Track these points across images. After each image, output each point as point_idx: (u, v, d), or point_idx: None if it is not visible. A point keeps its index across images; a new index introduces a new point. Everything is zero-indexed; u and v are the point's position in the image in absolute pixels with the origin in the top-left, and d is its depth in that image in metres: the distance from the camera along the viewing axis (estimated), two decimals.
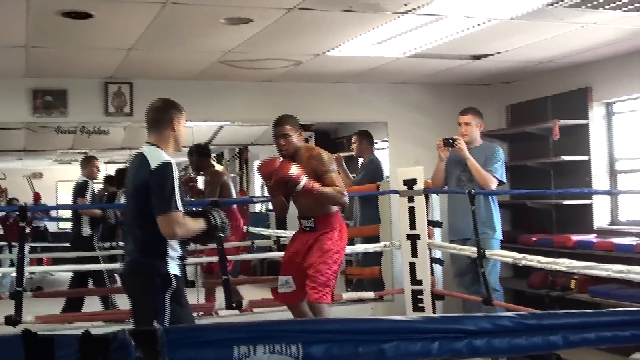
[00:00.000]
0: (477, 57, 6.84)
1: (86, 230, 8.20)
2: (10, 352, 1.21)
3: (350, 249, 7.81)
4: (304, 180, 5.13)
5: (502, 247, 6.67)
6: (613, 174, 7.23)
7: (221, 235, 4.17)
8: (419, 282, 6.90)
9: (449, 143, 6.52)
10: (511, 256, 5.94)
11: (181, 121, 4.11)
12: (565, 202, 7.38)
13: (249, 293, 8.09)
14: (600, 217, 7.27)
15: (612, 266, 4.91)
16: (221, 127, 10.68)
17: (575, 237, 7.00)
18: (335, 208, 5.47)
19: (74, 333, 1.29)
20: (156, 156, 3.92)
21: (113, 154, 12.65)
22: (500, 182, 6.56)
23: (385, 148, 8.60)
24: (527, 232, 7.70)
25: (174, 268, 3.91)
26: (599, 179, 7.23)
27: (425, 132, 8.16)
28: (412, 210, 6.92)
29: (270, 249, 9.07)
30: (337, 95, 8.04)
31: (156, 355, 1.26)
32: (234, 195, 8.84)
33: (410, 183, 6.91)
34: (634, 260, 5.52)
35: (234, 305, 6.22)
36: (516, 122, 8.35)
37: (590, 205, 7.28)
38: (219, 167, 8.75)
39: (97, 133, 9.72)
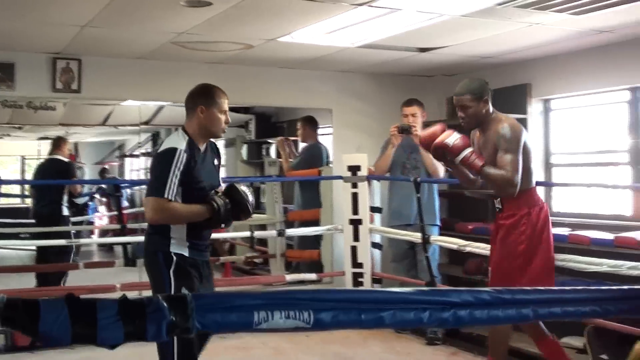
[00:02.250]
0: (423, 50, 7.04)
1: (65, 210, 8.32)
2: (56, 313, 1.35)
3: (292, 232, 8.01)
4: (465, 152, 4.59)
5: (440, 235, 6.95)
6: (548, 167, 7.48)
7: (222, 225, 4.07)
8: (360, 265, 7.15)
9: (405, 130, 6.71)
10: (456, 242, 6.18)
11: (212, 108, 4.04)
12: None
13: None
14: None
15: None
16: (161, 106, 10.69)
17: None
18: (530, 184, 4.74)
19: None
20: (169, 141, 3.96)
21: (49, 130, 12.55)
22: (447, 171, 6.81)
23: (329, 134, 8.77)
24: (463, 220, 7.95)
25: (178, 248, 3.94)
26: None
27: (368, 120, 8.38)
28: (355, 196, 7.14)
29: None
30: (284, 81, 8.17)
31: (187, 319, 1.41)
32: None
33: (354, 169, 7.13)
34: (566, 249, 5.78)
35: None
36: (455, 114, 8.53)
37: None
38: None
39: (44, 109, 9.65)
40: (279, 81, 8.19)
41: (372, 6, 5.30)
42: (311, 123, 8.46)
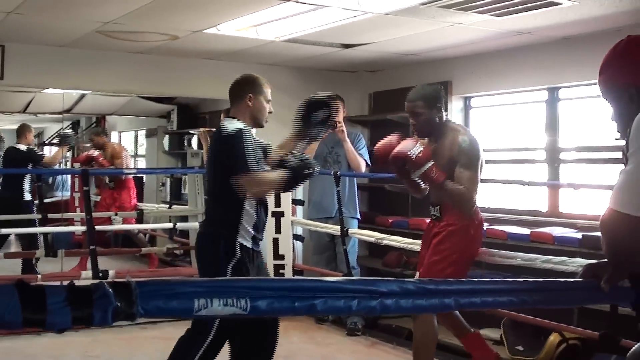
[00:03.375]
0: (347, 46, 7.15)
1: (27, 195, 8.56)
2: (7, 299, 1.40)
3: None
4: (428, 166, 4.41)
5: (360, 227, 7.09)
6: None
7: (307, 173, 4.09)
8: (282, 257, 7.21)
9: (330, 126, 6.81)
10: (374, 236, 6.32)
11: (260, 97, 4.20)
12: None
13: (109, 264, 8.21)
14: None
15: None
16: (83, 95, 10.62)
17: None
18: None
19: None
20: (231, 125, 4.00)
21: None
22: (367, 165, 6.99)
23: None
24: (384, 214, 8.10)
25: (243, 238, 3.97)
26: None
27: (291, 113, 8.35)
28: None
29: None
30: (209, 72, 8.19)
31: (132, 305, 1.48)
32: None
33: None
34: (483, 244, 5.91)
35: (100, 275, 6.33)
36: (378, 110, 8.72)
37: None
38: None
39: None
40: (203, 72, 8.21)
41: (298, 2, 5.38)
42: None
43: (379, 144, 4.71)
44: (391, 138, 4.64)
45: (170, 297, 1.53)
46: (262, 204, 4.13)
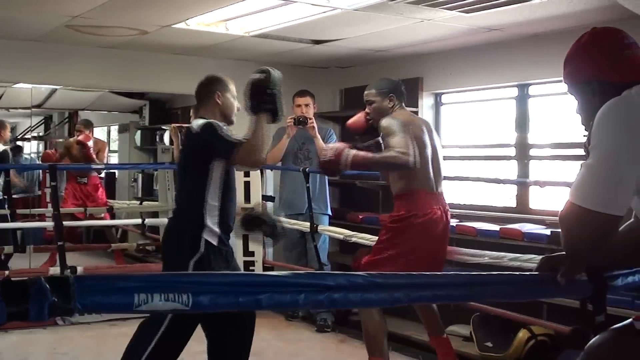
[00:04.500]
0: (317, 42, 7.12)
1: None
2: None
3: None
4: (347, 157, 4.51)
5: (331, 224, 7.07)
6: None
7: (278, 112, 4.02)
8: (252, 254, 7.20)
9: (300, 122, 6.80)
10: (343, 233, 6.30)
11: (226, 94, 4.22)
12: None
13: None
14: None
15: None
16: (54, 90, 10.54)
17: None
18: (414, 186, 4.65)
19: None
20: (200, 121, 4.02)
21: None
22: None
23: None
24: (354, 210, 8.08)
25: (209, 235, 3.93)
26: None
27: None
28: (247, 185, 7.18)
29: None
30: (179, 67, 8.13)
31: (69, 300, 1.45)
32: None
33: None
34: (453, 240, 5.95)
35: (68, 270, 6.29)
36: (349, 105, 8.69)
37: None
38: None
39: None
40: (173, 68, 8.15)
41: None
42: None
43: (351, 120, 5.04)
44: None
45: (110, 292, 1.50)
46: (228, 196, 4.06)
